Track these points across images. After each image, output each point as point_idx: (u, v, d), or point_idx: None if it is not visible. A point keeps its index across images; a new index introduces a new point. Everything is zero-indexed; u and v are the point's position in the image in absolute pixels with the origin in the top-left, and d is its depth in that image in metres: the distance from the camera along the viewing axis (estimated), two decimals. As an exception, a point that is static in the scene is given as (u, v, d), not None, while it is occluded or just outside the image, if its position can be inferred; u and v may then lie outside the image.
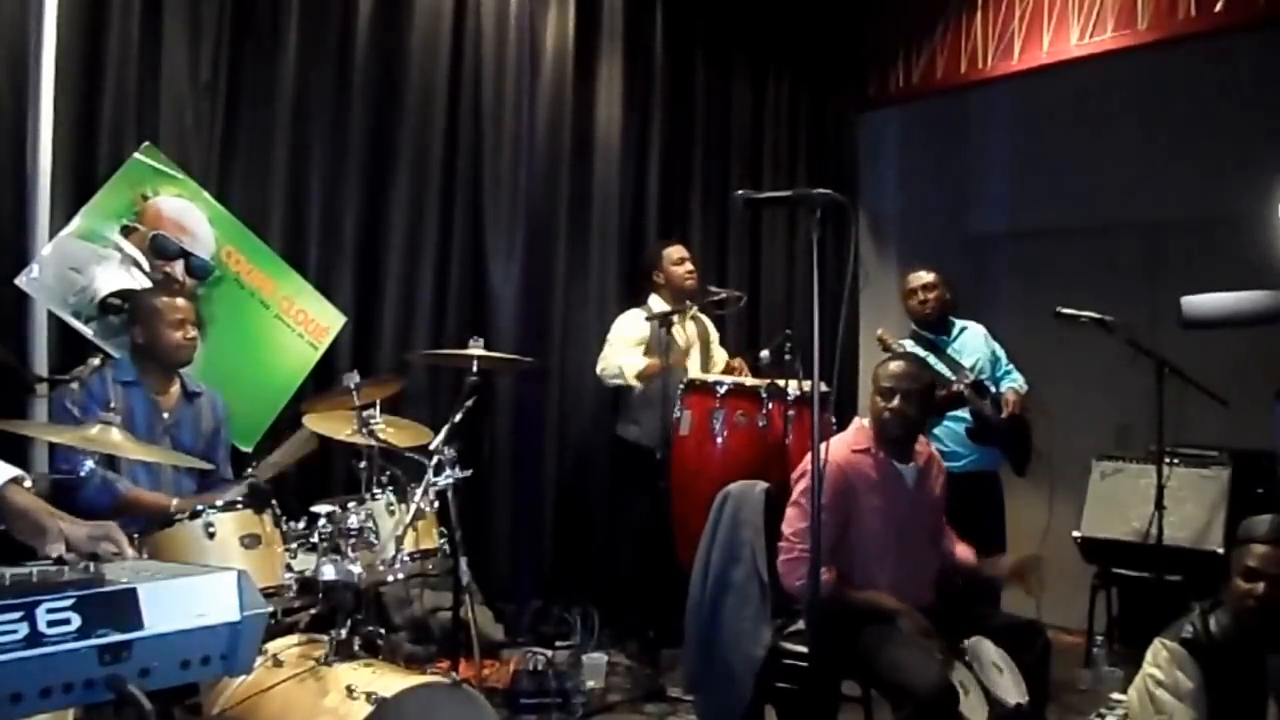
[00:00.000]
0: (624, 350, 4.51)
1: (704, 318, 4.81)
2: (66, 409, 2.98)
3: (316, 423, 3.19)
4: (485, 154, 4.66)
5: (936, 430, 4.38)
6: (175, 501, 2.99)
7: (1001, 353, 4.65)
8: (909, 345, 4.38)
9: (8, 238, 3.38)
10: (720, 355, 4.75)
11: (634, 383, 4.44)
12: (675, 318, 4.47)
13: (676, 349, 4.53)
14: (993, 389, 4.45)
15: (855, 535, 2.98)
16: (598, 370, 4.60)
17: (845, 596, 2.90)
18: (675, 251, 4.71)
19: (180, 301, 3.22)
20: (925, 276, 4.55)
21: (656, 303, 4.62)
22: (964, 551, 3.23)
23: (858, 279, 5.84)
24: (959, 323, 4.63)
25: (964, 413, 4.38)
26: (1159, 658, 2.64)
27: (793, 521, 2.95)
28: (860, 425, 3.15)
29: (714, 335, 4.81)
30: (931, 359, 4.28)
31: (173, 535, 2.61)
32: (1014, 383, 4.52)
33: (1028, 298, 4.86)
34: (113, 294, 3.39)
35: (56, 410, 3.05)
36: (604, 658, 4.21)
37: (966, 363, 4.44)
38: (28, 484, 1.84)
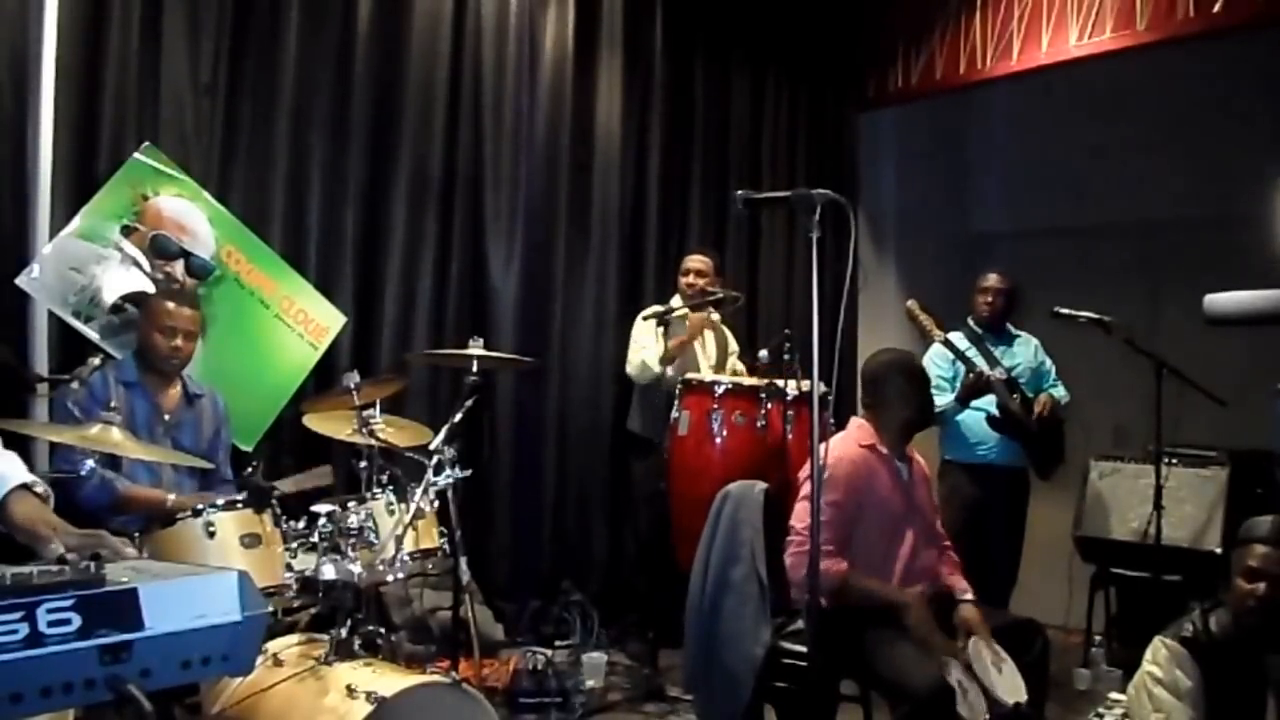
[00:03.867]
0: (646, 346, 4.51)
1: (725, 330, 4.81)
2: (68, 408, 2.98)
3: (317, 422, 3.19)
4: (485, 154, 4.67)
5: (961, 418, 4.42)
6: (172, 497, 3.00)
7: (1051, 366, 4.70)
8: (954, 336, 4.45)
9: (8, 238, 3.38)
10: (737, 369, 4.75)
11: (659, 368, 4.41)
12: (670, 318, 4.49)
13: (692, 354, 4.56)
14: (1029, 395, 4.49)
15: (866, 529, 2.99)
16: (628, 373, 4.62)
17: (856, 585, 2.91)
18: (686, 260, 4.75)
19: (173, 307, 3.21)
20: (995, 280, 4.63)
21: (676, 302, 4.65)
22: (955, 580, 3.18)
23: (857, 279, 5.84)
24: (1016, 331, 4.69)
25: (991, 406, 4.40)
26: (1158, 656, 2.65)
27: (802, 516, 2.95)
28: (860, 423, 3.16)
29: (733, 348, 4.81)
30: (971, 351, 4.40)
31: (173, 535, 2.62)
32: (1056, 392, 4.58)
33: (1026, 298, 4.87)
34: (121, 297, 3.38)
35: (58, 409, 3.05)
36: (603, 657, 4.21)
37: (1005, 363, 4.50)
38: (40, 488, 1.85)
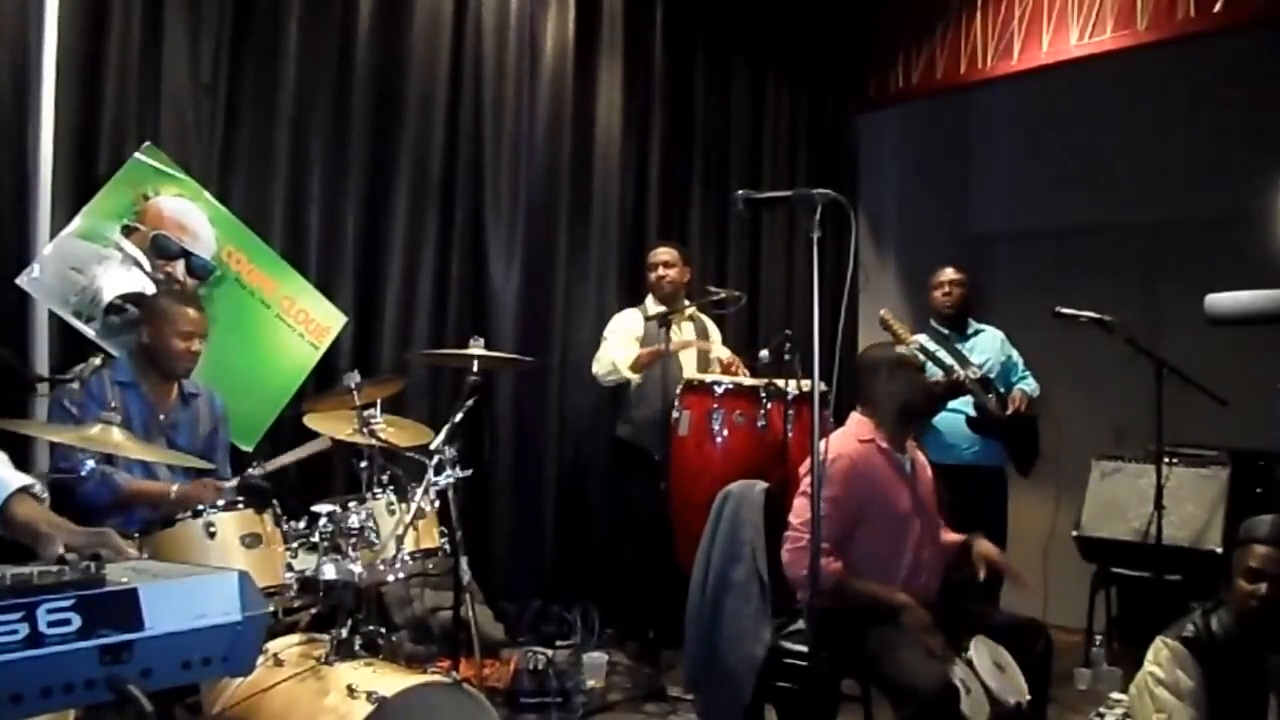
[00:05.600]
0: (618, 346, 4.51)
1: (703, 317, 4.81)
2: (65, 409, 2.98)
3: (317, 422, 3.19)
4: (485, 154, 4.67)
5: (937, 421, 4.42)
6: (175, 487, 2.99)
7: (1018, 359, 4.72)
8: (923, 340, 4.45)
9: (8, 238, 3.38)
10: (722, 355, 4.74)
11: (630, 375, 4.44)
12: (672, 317, 4.49)
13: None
14: (1001, 390, 4.50)
15: (870, 526, 2.99)
16: (594, 371, 4.60)
17: (850, 588, 2.91)
18: (652, 255, 4.71)
19: (192, 312, 3.22)
20: (952, 272, 4.67)
21: (651, 304, 4.63)
22: (950, 537, 3.22)
23: (857, 279, 5.85)
24: (976, 325, 4.72)
25: (967, 407, 4.40)
26: (1160, 656, 2.65)
27: (800, 512, 2.94)
28: (859, 419, 3.16)
29: (715, 335, 4.81)
30: (941, 353, 4.39)
31: (173, 535, 2.61)
32: (1026, 386, 4.58)
33: (1027, 297, 4.87)
34: (120, 297, 3.38)
35: (55, 410, 3.04)
36: (604, 657, 4.21)
37: (975, 360, 4.50)
38: (37, 488, 1.85)
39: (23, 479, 1.84)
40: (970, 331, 4.67)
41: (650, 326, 4.47)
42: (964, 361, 4.45)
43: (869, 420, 3.12)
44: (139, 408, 3.17)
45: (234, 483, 2.75)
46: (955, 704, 2.63)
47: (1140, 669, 2.71)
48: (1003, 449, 4.54)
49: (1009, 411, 4.42)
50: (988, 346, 4.64)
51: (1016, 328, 4.79)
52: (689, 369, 4.55)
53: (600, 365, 4.56)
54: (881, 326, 4.42)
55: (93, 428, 2.48)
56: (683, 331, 4.67)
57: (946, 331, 4.59)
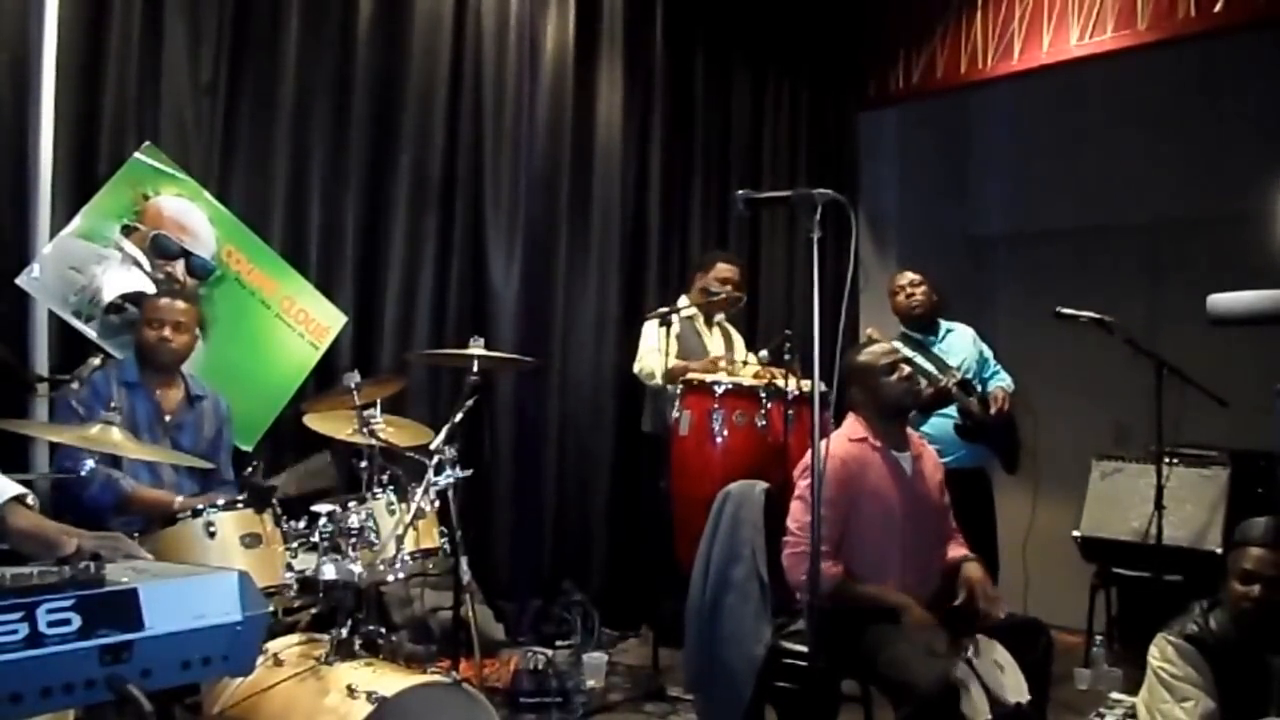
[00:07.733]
0: (654, 350, 4.44)
1: (729, 326, 4.80)
2: (71, 408, 2.98)
3: (317, 422, 3.19)
4: (485, 154, 4.67)
5: (924, 427, 4.41)
6: (179, 499, 2.99)
7: (990, 354, 4.71)
8: (898, 345, 4.40)
9: (8, 238, 3.38)
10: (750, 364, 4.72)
11: (661, 382, 4.39)
12: (699, 323, 4.49)
13: (698, 352, 4.53)
14: (980, 388, 4.49)
15: (861, 524, 2.98)
16: (634, 369, 4.56)
17: (851, 591, 2.90)
18: (725, 270, 4.62)
19: (164, 302, 3.24)
20: (910, 274, 4.66)
21: (684, 300, 4.63)
22: (955, 550, 3.18)
23: (857, 279, 5.84)
24: (946, 324, 4.70)
25: (951, 410, 4.40)
26: (1167, 654, 2.66)
27: (797, 515, 2.94)
28: (853, 418, 3.16)
29: (738, 342, 4.79)
30: (919, 359, 4.35)
31: (174, 534, 2.62)
32: (1002, 382, 4.58)
33: (1027, 297, 4.88)
34: (120, 296, 3.39)
35: (60, 409, 3.05)
36: (604, 657, 4.21)
37: (953, 362, 4.49)
38: (31, 500, 1.83)
39: (16, 488, 1.83)
40: (941, 333, 4.64)
41: (657, 324, 4.45)
42: (944, 366, 4.44)
43: (861, 421, 3.12)
44: (145, 408, 3.17)
45: (241, 498, 2.75)
46: (955, 702, 2.63)
47: (1146, 670, 2.72)
48: (988, 449, 4.53)
49: (993, 412, 4.41)
50: (961, 346, 4.62)
51: (1016, 328, 4.79)
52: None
53: (641, 367, 4.50)
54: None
55: (93, 428, 2.49)
56: (712, 339, 4.66)
57: (919, 335, 4.56)
